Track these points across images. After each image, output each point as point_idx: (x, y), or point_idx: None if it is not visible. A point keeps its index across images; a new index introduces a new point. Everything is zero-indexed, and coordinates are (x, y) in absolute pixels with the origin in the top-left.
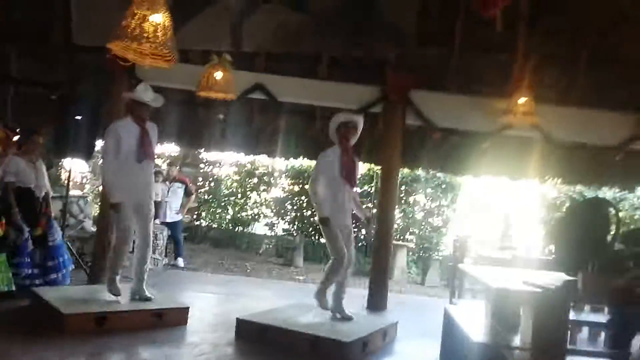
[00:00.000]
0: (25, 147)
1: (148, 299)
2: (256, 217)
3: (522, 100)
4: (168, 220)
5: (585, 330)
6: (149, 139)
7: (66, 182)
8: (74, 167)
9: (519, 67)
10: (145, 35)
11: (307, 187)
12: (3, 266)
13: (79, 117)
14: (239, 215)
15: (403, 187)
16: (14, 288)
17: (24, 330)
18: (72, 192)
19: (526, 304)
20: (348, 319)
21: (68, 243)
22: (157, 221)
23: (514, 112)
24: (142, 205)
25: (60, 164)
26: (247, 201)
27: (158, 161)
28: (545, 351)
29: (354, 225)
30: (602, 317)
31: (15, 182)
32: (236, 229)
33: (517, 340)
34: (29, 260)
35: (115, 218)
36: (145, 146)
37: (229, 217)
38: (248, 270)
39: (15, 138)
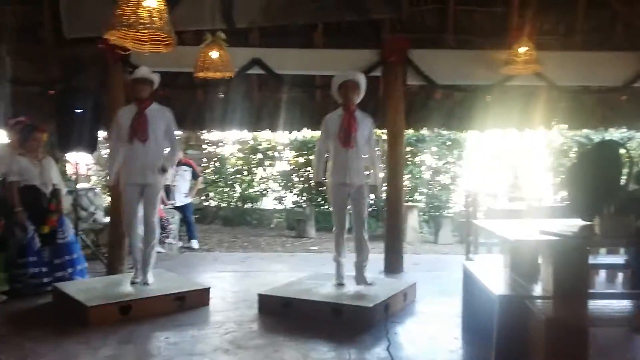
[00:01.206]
0: (27, 144)
1: (146, 284)
2: (264, 192)
3: (522, 49)
4: (178, 204)
5: (602, 273)
6: (143, 120)
7: (73, 176)
8: (79, 160)
9: (517, 16)
10: (142, 21)
11: (312, 157)
12: None
13: (79, 111)
14: (246, 192)
15: (408, 148)
16: (7, 288)
17: (49, 327)
18: (81, 185)
19: (545, 252)
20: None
21: (83, 236)
22: (168, 205)
23: (515, 62)
24: (143, 188)
25: (64, 158)
26: (254, 177)
27: None
28: (567, 297)
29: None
30: (620, 259)
31: (19, 181)
32: (245, 206)
33: (538, 290)
34: (36, 258)
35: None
36: (135, 127)
37: (237, 195)
38: (262, 246)
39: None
